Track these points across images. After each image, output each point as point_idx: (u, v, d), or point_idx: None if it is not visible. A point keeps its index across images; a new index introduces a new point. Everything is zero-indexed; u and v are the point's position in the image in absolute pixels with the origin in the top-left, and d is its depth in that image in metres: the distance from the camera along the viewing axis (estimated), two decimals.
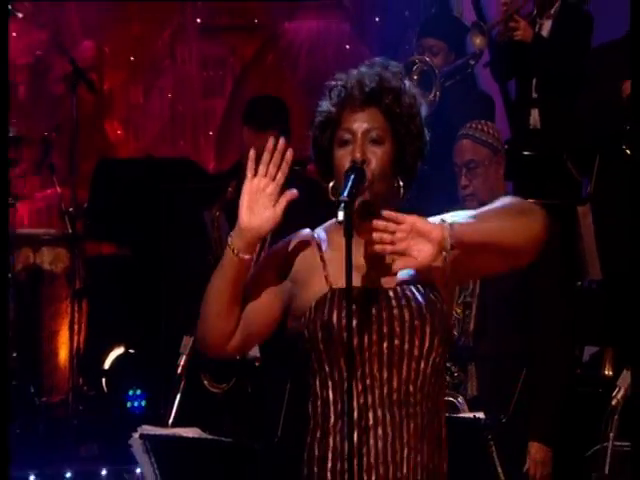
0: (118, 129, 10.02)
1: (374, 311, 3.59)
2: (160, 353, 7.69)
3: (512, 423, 5.53)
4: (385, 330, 3.59)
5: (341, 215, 3.42)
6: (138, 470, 6.59)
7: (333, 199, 3.67)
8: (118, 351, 7.83)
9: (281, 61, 9.93)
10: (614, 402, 5.33)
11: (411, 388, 3.64)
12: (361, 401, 3.63)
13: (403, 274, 3.64)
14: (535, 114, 7.67)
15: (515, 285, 5.35)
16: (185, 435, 5.48)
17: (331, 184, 3.67)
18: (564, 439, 5.83)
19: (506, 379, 5.64)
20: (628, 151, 6.47)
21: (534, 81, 7.63)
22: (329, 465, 3.69)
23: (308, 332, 3.68)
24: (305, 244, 3.77)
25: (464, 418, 4.94)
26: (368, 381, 3.61)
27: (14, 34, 10.19)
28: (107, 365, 7.79)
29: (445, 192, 5.98)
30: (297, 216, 5.93)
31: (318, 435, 3.70)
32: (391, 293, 3.62)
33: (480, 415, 4.81)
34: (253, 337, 3.73)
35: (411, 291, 3.66)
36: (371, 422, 3.60)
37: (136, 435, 5.40)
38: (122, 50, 9.94)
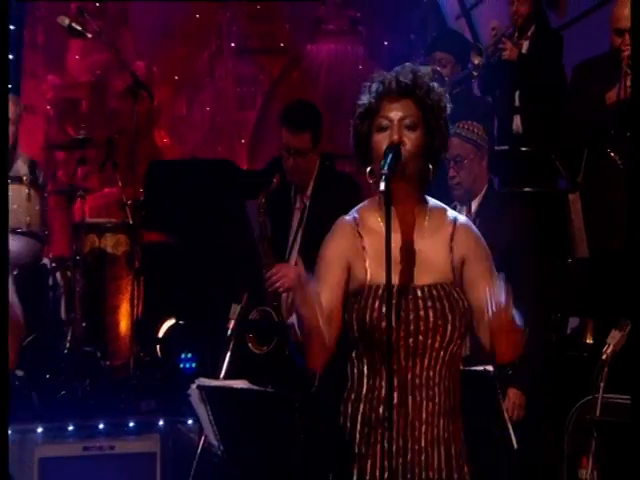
0: (165, 137, 10.05)
1: (403, 312, 3.61)
2: (205, 323, 7.70)
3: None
4: (412, 328, 3.62)
5: (382, 185, 3.47)
6: (190, 421, 6.71)
7: (371, 181, 3.72)
8: (170, 322, 7.81)
9: (304, 78, 9.93)
10: (604, 357, 5.28)
11: (431, 373, 3.70)
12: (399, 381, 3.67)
13: (427, 266, 3.71)
14: (517, 120, 7.75)
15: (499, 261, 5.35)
16: (235, 386, 5.46)
17: (369, 168, 3.73)
18: (557, 393, 5.86)
19: None
20: (612, 154, 6.38)
21: (517, 92, 7.72)
22: (358, 427, 3.76)
23: (348, 316, 3.73)
24: (348, 234, 3.79)
25: (476, 370, 4.81)
26: (395, 367, 3.62)
27: (77, 56, 10.27)
28: (161, 334, 7.78)
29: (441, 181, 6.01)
30: (330, 206, 5.93)
31: (352, 397, 3.76)
32: (419, 292, 3.65)
33: (489, 368, 4.78)
34: (337, 330, 3.73)
35: (437, 290, 3.69)
36: (395, 401, 3.63)
37: (194, 386, 5.39)
38: (168, 70, 9.97)
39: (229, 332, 6.09)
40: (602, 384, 5.18)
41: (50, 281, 7.61)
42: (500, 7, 8.79)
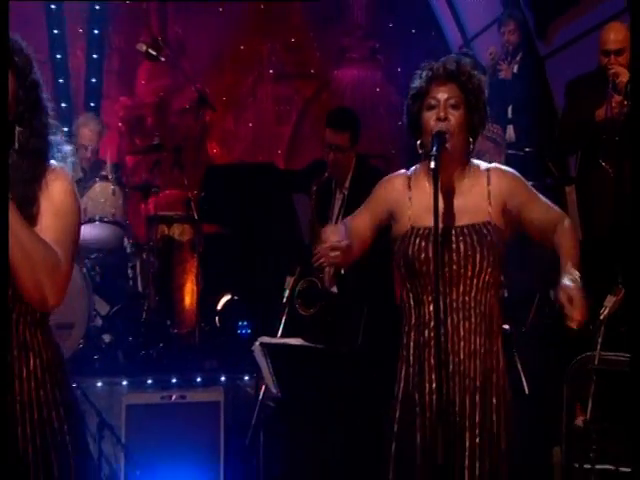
0: (215, 148, 10.08)
1: (440, 246, 3.62)
2: (255, 297, 7.80)
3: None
4: (446, 259, 3.68)
5: (433, 164, 3.53)
6: (246, 377, 6.72)
7: (420, 151, 3.80)
8: (226, 297, 7.84)
9: (331, 99, 9.91)
10: (601, 317, 5.17)
11: (467, 298, 3.74)
12: (430, 309, 3.73)
13: (464, 214, 3.77)
14: (510, 130, 7.77)
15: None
16: (291, 343, 5.56)
17: (419, 141, 3.77)
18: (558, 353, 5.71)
19: None
20: (601, 159, 6.35)
21: (510, 106, 7.75)
22: (411, 352, 3.83)
23: (396, 258, 3.82)
24: (401, 185, 3.89)
25: None
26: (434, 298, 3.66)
27: (143, 81, 10.33)
28: (219, 307, 7.82)
29: None
30: (365, 196, 5.94)
31: (406, 329, 3.85)
32: (453, 232, 3.71)
33: (506, 326, 4.78)
34: (356, 251, 3.83)
35: (468, 229, 3.74)
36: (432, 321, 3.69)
37: (257, 343, 5.50)
38: (218, 92, 9.95)
39: (284, 299, 6.18)
40: (600, 339, 5.09)
41: (130, 262, 7.70)
42: (495, 39, 8.70)
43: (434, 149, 3.61)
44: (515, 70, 7.79)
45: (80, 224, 3.12)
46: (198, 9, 9.52)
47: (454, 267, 3.71)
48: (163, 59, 7.62)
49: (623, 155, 6.11)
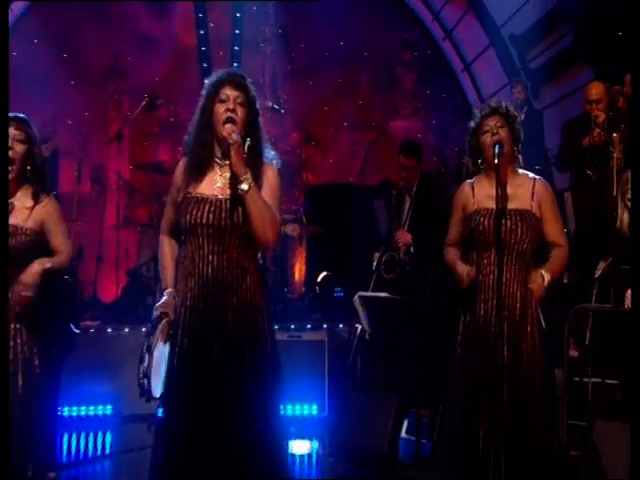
0: (308, 176, 9.79)
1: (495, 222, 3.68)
2: (344, 273, 7.77)
3: None
4: (502, 231, 3.68)
5: (496, 160, 3.67)
6: (340, 325, 6.75)
7: (482, 167, 3.87)
8: (324, 273, 7.84)
9: (388, 143, 9.59)
10: (596, 276, 5.08)
11: (512, 258, 3.76)
12: (486, 262, 3.78)
13: (513, 201, 3.78)
14: (519, 158, 7.59)
15: None
16: (379, 295, 5.61)
17: (480, 159, 3.85)
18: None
19: None
20: (588, 171, 6.22)
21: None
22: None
23: (470, 231, 3.85)
24: (466, 190, 3.92)
25: None
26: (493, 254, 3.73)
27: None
28: (318, 280, 7.82)
29: None
30: (426, 200, 5.96)
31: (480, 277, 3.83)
32: (507, 214, 3.73)
33: None
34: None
35: (515, 211, 3.75)
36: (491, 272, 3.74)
37: (356, 296, 5.52)
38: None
39: (373, 267, 6.18)
40: (595, 291, 5.03)
41: None
42: (492, 65, 8.78)
43: (496, 150, 3.70)
44: (522, 118, 7.68)
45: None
46: (297, 81, 9.49)
47: (504, 236, 3.71)
48: (283, 111, 7.76)
49: (602, 168, 6.07)
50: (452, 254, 3.95)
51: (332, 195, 8.53)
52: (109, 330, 6.57)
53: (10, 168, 3.52)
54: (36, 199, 3.61)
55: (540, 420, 3.78)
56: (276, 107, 7.57)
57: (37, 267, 3.52)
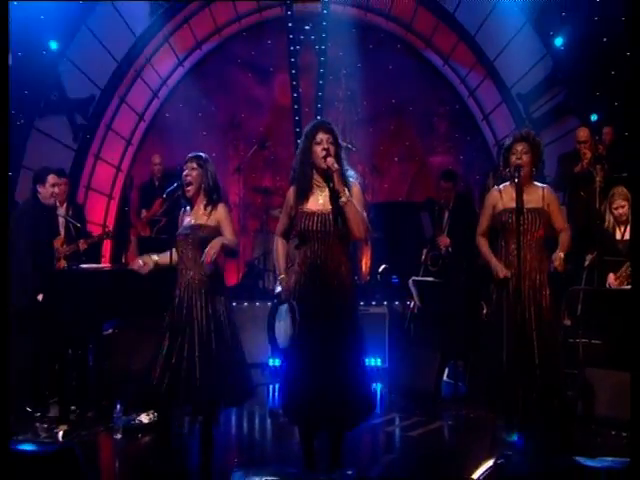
0: (370, 195, 9.68)
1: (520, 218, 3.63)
2: (398, 265, 7.56)
3: None
4: (521, 222, 3.66)
5: (516, 179, 3.58)
6: (396, 302, 6.61)
7: (509, 175, 3.79)
8: (383, 266, 7.72)
9: (428, 173, 9.46)
10: (585, 264, 5.05)
11: (530, 241, 3.76)
12: (512, 246, 3.72)
13: (529, 202, 3.72)
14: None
15: None
16: (428, 279, 5.56)
17: (508, 169, 3.79)
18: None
19: None
20: (580, 189, 6.12)
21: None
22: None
23: (499, 223, 3.78)
24: (495, 196, 3.88)
25: None
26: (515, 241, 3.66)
27: None
28: (379, 270, 7.71)
29: None
30: (460, 211, 5.94)
31: (503, 259, 3.81)
32: (525, 211, 3.71)
33: None
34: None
35: (531, 208, 3.70)
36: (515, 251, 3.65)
37: (410, 280, 5.47)
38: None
39: (422, 259, 6.17)
40: (584, 276, 4.97)
41: None
42: (504, 116, 8.43)
43: (516, 174, 3.72)
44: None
45: None
46: (362, 128, 9.31)
47: (524, 227, 3.73)
48: (354, 149, 7.84)
49: (588, 189, 5.99)
50: (485, 246, 3.94)
51: (388, 209, 8.49)
52: (234, 304, 6.66)
53: (189, 188, 3.72)
54: (213, 206, 3.72)
55: (557, 355, 3.75)
56: (349, 146, 7.65)
57: (220, 239, 3.65)
